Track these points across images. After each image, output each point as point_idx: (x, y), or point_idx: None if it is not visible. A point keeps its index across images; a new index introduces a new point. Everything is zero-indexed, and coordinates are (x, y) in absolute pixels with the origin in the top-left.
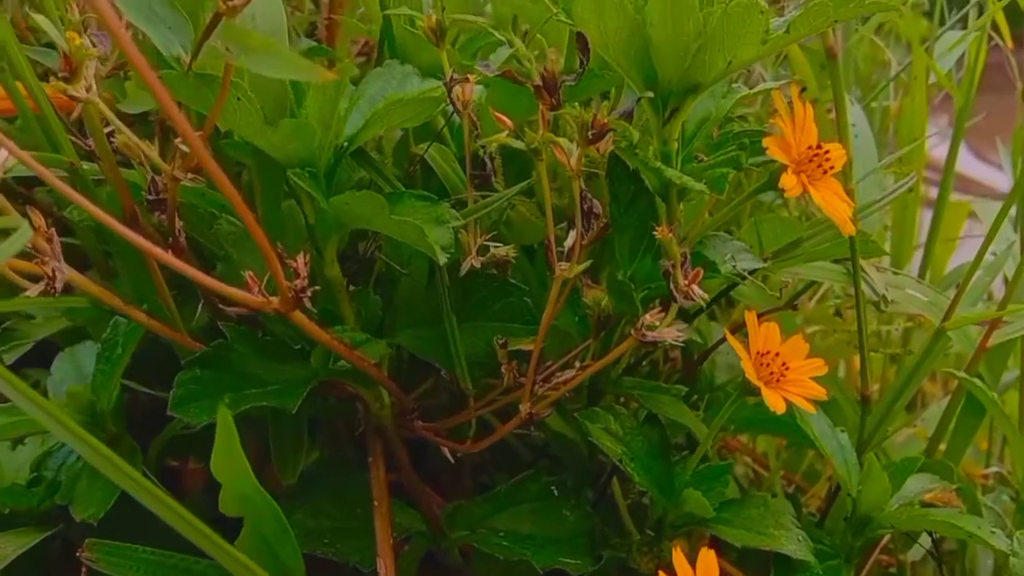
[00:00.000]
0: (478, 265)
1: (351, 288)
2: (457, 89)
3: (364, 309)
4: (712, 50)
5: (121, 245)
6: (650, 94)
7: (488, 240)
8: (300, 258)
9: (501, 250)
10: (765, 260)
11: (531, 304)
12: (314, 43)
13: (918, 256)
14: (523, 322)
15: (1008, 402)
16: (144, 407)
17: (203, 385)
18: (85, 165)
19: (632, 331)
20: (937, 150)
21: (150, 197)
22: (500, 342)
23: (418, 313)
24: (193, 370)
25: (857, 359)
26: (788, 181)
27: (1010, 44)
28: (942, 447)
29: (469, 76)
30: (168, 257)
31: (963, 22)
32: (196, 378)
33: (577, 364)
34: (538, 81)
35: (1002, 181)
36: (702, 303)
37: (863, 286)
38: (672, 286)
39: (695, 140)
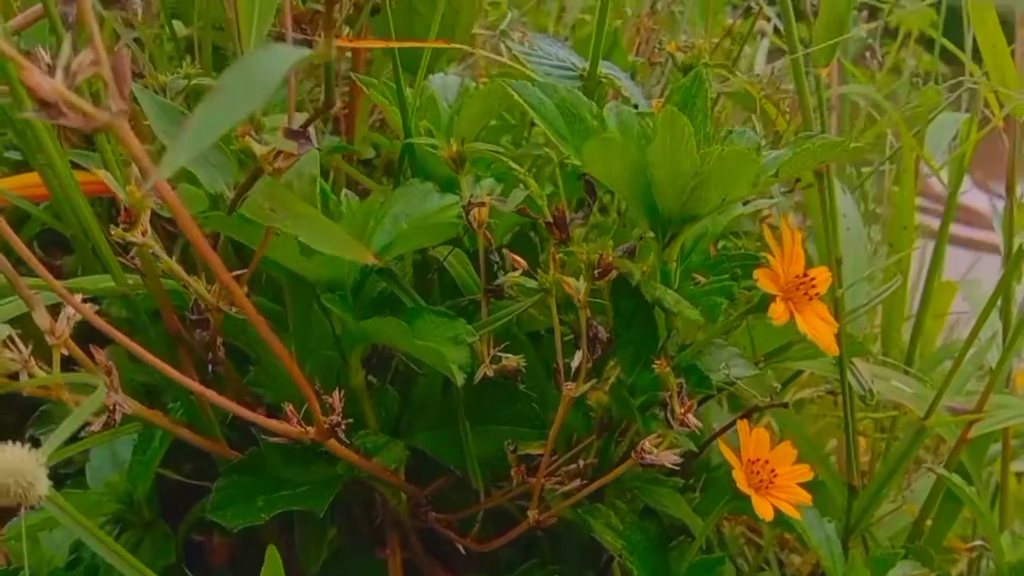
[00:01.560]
0: (491, 374)
1: (370, 379)
2: (474, 212)
3: (383, 408)
4: (708, 188)
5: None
6: (651, 234)
7: (499, 351)
8: (335, 395)
9: (511, 361)
10: (758, 363)
11: (539, 411)
12: (337, 140)
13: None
14: (532, 427)
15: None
16: (171, 484)
17: (238, 490)
18: (129, 279)
19: (632, 453)
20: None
21: (193, 317)
22: (511, 447)
23: (433, 416)
24: (230, 476)
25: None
26: (776, 311)
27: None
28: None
29: (484, 200)
30: (215, 397)
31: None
32: (232, 483)
33: (581, 462)
34: (549, 219)
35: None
36: (696, 431)
37: (850, 378)
38: (668, 415)
39: (693, 254)
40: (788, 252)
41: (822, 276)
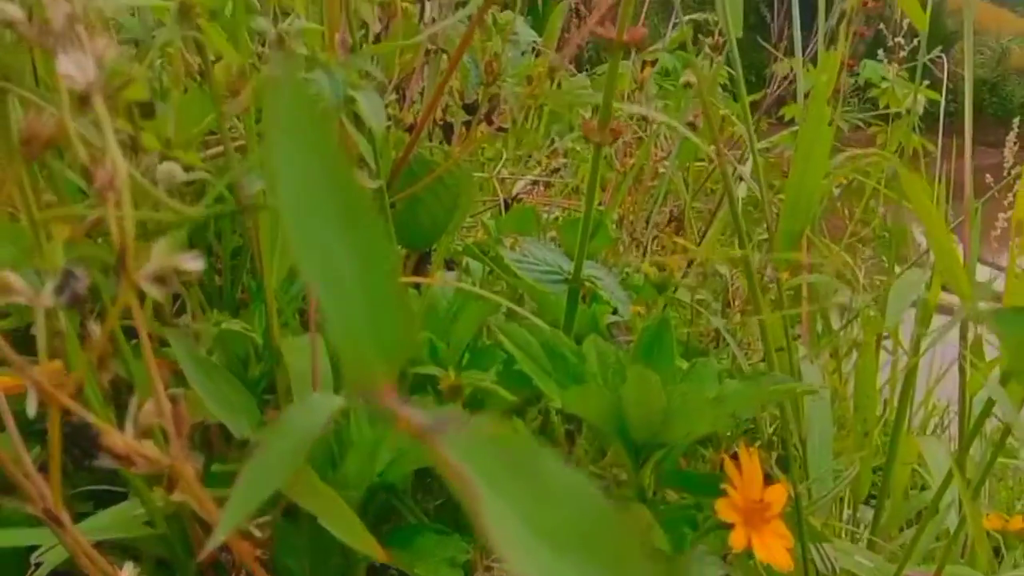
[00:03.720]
0: None
1: None
2: None
3: None
4: (675, 424)
5: None
6: (625, 468)
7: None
8: None
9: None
10: (725, 557)
11: None
12: None
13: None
14: None
15: None
16: None
17: None
18: None
19: None
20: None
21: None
22: None
23: None
24: None
25: None
26: (736, 538)
27: None
28: None
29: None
30: None
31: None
32: None
33: None
34: None
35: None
36: None
37: (813, 554)
38: None
39: (665, 463)
40: (747, 477)
41: (778, 496)
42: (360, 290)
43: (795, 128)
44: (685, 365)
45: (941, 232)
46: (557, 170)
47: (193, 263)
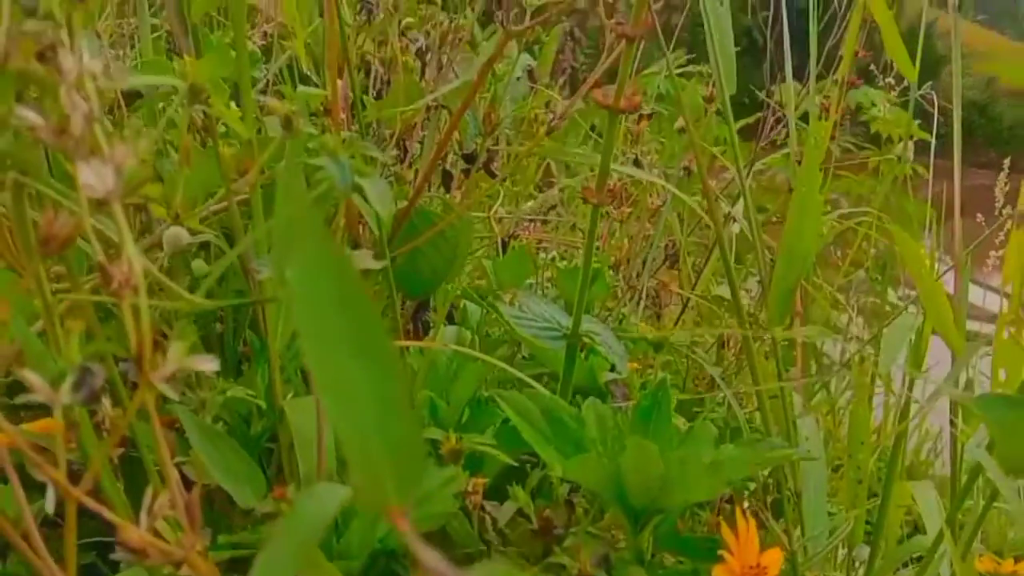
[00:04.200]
0: None
1: None
2: (470, 498)
3: None
4: (672, 490)
5: None
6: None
7: None
8: None
9: None
10: None
11: None
12: None
13: None
14: None
15: None
16: None
17: None
18: None
19: None
20: None
21: None
22: None
23: None
24: None
25: None
26: None
27: None
28: None
29: (478, 490)
30: None
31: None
32: None
33: None
34: (535, 527)
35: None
36: None
37: None
38: None
39: (663, 526)
40: (743, 541)
41: (775, 561)
42: (375, 417)
43: (787, 150)
44: (683, 424)
45: (933, 288)
46: (554, 206)
47: (208, 364)
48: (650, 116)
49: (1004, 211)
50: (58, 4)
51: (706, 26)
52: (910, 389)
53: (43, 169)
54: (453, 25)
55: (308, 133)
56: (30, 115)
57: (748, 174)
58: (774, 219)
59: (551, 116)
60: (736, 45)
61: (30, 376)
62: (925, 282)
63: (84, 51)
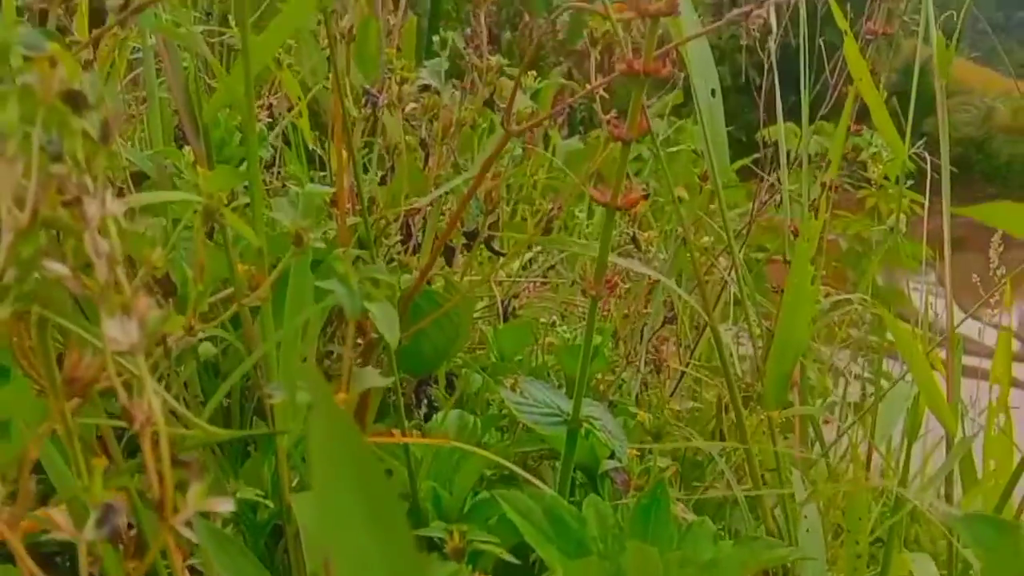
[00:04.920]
0: None
1: None
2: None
3: None
4: None
5: None
6: None
7: None
8: None
9: None
10: None
11: None
12: None
13: None
14: None
15: None
16: None
17: None
18: None
19: None
20: None
21: None
22: None
23: None
24: None
25: None
26: None
27: None
28: None
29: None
30: None
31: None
32: None
33: None
34: None
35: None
36: None
37: None
38: None
39: None
40: None
41: None
42: None
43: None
44: (682, 509)
45: (925, 370)
46: (553, 267)
47: (225, 505)
48: (646, 196)
49: (999, 249)
50: (81, 147)
51: (698, 115)
52: (907, 463)
53: (67, 305)
54: (456, 118)
55: (316, 248)
56: (58, 267)
57: (750, 222)
58: (774, 258)
59: (551, 207)
60: (731, 82)
61: (57, 515)
62: (918, 367)
63: (107, 194)
